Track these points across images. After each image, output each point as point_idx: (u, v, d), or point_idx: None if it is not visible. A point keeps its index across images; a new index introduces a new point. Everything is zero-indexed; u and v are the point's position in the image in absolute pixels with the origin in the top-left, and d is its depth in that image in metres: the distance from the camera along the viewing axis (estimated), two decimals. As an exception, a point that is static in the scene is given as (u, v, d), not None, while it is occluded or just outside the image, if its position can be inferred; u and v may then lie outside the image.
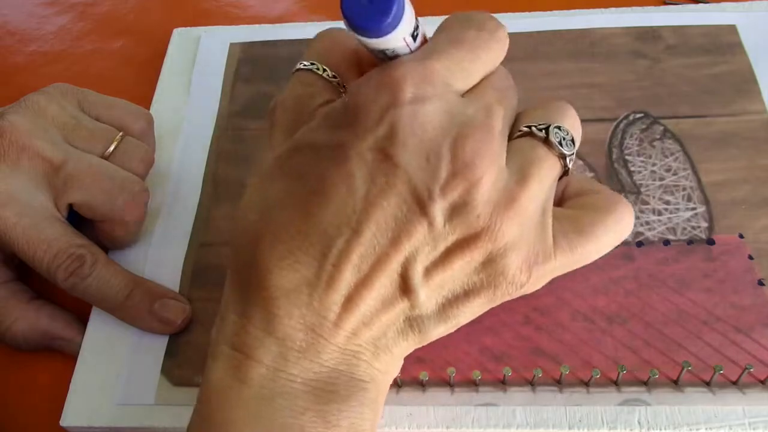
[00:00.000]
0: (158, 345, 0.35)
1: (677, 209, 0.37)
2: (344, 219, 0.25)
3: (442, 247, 0.26)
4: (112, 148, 0.37)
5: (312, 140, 0.27)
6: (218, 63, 0.46)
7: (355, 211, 0.25)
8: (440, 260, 0.26)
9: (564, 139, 0.28)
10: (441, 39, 0.28)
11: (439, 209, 0.25)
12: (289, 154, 0.28)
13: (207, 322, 0.35)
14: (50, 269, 0.34)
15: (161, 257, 0.38)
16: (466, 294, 0.27)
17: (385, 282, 0.26)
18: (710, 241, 0.36)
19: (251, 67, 0.46)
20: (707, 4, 0.47)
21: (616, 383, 0.32)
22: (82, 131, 0.36)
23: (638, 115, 0.41)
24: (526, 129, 0.28)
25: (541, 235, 0.27)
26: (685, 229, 0.36)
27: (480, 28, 0.28)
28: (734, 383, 0.31)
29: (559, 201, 0.30)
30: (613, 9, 0.46)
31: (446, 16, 0.46)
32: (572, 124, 0.29)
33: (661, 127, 0.40)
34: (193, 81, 0.45)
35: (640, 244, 0.36)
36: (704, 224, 0.36)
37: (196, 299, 0.36)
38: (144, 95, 0.45)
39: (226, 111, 0.44)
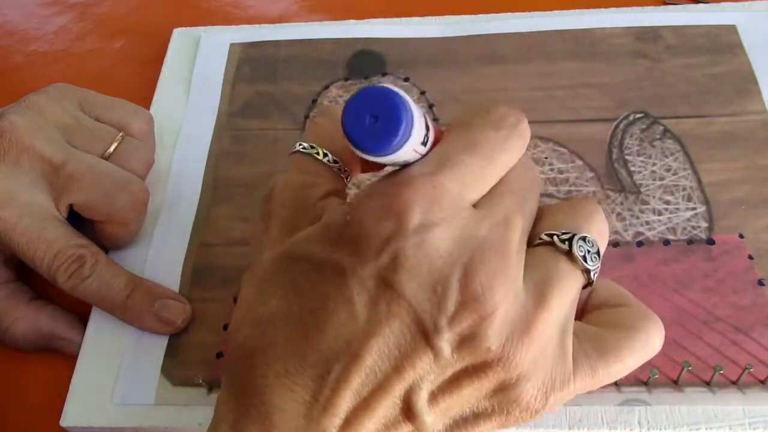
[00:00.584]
0: (158, 345, 0.35)
1: (677, 209, 0.37)
2: (343, 344, 0.24)
3: (449, 372, 0.24)
4: (112, 148, 0.37)
5: (310, 254, 0.25)
6: (218, 63, 0.46)
7: (355, 336, 0.23)
8: (447, 385, 0.24)
9: (589, 252, 0.25)
10: (455, 143, 0.25)
11: (445, 341, 0.23)
12: (286, 264, 0.26)
13: (207, 322, 0.35)
14: (50, 270, 0.34)
15: (161, 257, 0.38)
16: (476, 417, 0.25)
17: (387, 407, 0.24)
18: (710, 241, 0.36)
19: (251, 67, 0.46)
20: (707, 4, 0.47)
21: (616, 383, 0.32)
22: (82, 131, 0.36)
23: (638, 115, 0.41)
24: (547, 238, 0.26)
25: (559, 358, 0.25)
26: (685, 229, 0.36)
27: (498, 126, 0.26)
28: (734, 383, 0.31)
29: (581, 310, 0.28)
30: (613, 9, 0.46)
31: (448, 16, 0.47)
32: (599, 230, 0.26)
33: (661, 127, 0.40)
34: (193, 81, 0.45)
35: (640, 244, 0.36)
36: (704, 224, 0.36)
37: (196, 299, 0.36)
38: (144, 95, 0.45)
39: (226, 111, 0.44)
